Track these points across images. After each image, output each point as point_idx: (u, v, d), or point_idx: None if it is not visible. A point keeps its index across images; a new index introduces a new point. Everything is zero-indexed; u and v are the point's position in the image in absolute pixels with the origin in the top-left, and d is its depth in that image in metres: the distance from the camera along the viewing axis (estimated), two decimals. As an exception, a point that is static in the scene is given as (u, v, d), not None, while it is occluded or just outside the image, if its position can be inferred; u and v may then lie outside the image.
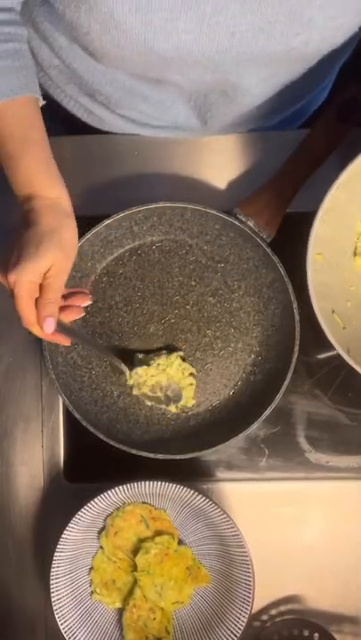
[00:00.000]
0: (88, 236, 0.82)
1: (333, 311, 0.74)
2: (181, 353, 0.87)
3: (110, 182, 0.89)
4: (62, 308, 0.73)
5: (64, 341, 0.74)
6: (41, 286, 0.68)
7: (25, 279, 0.66)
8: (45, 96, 0.98)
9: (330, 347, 0.70)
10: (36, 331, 0.69)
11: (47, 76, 0.91)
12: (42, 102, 0.76)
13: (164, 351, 0.86)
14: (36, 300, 0.68)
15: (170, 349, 0.87)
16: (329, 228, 0.73)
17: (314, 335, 0.86)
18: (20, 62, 0.72)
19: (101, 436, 0.80)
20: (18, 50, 0.72)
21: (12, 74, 0.71)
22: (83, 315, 0.76)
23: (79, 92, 0.91)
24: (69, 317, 0.74)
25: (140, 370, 0.85)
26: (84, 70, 0.84)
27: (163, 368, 0.85)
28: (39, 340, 0.83)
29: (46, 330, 0.68)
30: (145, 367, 0.85)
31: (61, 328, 0.71)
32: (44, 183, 0.72)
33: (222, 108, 0.86)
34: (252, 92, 0.81)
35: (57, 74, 0.89)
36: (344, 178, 0.71)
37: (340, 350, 0.70)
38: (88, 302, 0.77)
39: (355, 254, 0.81)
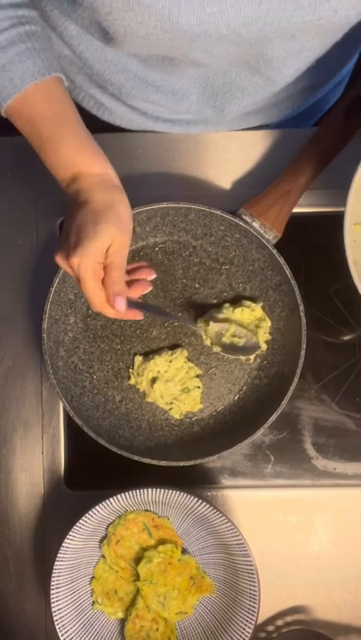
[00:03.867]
0: (89, 237, 0.81)
1: None
2: (185, 351, 0.86)
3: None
4: (128, 284, 0.74)
5: (138, 316, 0.75)
6: (104, 266, 0.68)
7: (88, 260, 0.66)
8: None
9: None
10: (107, 312, 0.70)
11: None
12: (66, 82, 0.75)
13: (165, 349, 0.85)
14: (102, 280, 0.69)
15: (172, 348, 0.86)
16: None
17: (321, 338, 0.87)
18: (40, 44, 0.71)
19: (103, 443, 0.79)
20: (34, 32, 0.71)
21: (34, 56, 0.71)
22: (150, 289, 0.77)
23: (89, 82, 0.90)
24: (137, 292, 0.76)
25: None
26: (95, 59, 0.83)
27: (168, 360, 0.84)
28: (39, 344, 0.82)
29: (118, 307, 0.69)
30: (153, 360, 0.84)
31: (131, 303, 0.72)
32: (88, 162, 0.71)
33: (242, 88, 0.83)
34: (275, 66, 0.79)
35: (67, 64, 0.88)
36: None
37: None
38: (154, 275, 0.78)
39: None
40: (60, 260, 0.70)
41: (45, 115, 0.71)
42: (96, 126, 0.93)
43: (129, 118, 0.92)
